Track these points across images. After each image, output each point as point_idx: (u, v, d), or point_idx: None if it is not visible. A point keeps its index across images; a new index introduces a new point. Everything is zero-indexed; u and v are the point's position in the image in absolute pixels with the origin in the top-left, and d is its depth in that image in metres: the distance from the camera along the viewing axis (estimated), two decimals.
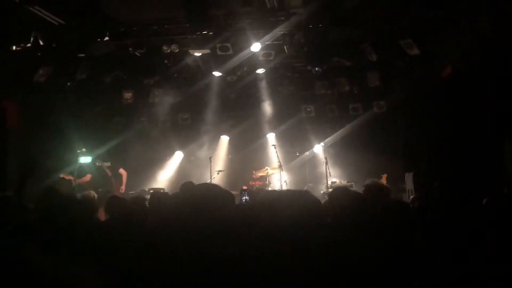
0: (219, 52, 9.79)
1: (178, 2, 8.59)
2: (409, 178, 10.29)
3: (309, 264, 1.91)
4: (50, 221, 3.00)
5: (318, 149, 12.47)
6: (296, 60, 11.59)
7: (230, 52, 9.80)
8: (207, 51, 9.84)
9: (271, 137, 13.13)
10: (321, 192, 10.99)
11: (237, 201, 7.37)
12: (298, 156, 12.99)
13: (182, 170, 13.22)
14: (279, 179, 11.30)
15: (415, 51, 9.57)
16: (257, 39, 9.62)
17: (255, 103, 12.77)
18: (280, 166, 11.12)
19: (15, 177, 9.88)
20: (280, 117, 12.88)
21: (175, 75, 11.89)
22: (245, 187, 11.13)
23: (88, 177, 10.40)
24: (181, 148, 13.48)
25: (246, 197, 8.89)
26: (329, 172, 10.82)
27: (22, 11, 8.15)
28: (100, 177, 10.42)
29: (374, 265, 2.26)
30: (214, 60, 10.55)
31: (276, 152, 11.40)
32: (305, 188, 11.04)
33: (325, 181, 10.83)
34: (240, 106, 13.09)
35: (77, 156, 10.01)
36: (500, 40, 8.00)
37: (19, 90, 10.25)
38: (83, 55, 10.04)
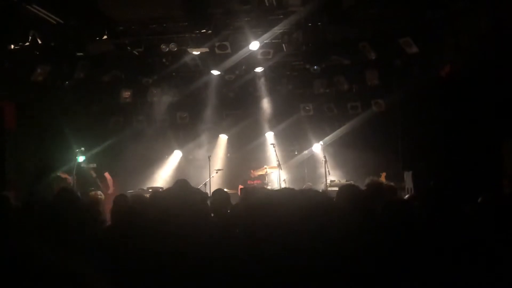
0: (217, 51, 9.78)
1: (177, 0, 8.57)
2: (408, 176, 10.28)
3: (315, 261, 1.90)
4: (57, 221, 2.99)
5: (317, 148, 12.47)
6: (294, 59, 11.59)
7: (229, 50, 9.79)
8: (205, 49, 9.82)
9: (269, 136, 13.11)
10: (320, 191, 10.97)
11: (235, 201, 7.37)
12: (297, 155, 12.99)
13: (180, 169, 13.20)
14: (277, 178, 11.28)
15: (414, 50, 9.57)
16: (256, 38, 9.61)
17: (254, 102, 12.76)
18: (279, 165, 11.11)
19: (14, 177, 9.87)
20: (278, 116, 12.87)
21: (174, 74, 11.88)
22: (241, 187, 11.13)
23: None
24: (180, 147, 13.46)
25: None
26: (328, 171, 10.81)
27: (20, 9, 8.13)
28: (84, 178, 10.20)
29: (378, 262, 2.26)
30: (213, 59, 10.54)
31: (275, 151, 11.38)
32: (303, 187, 11.04)
33: (324, 180, 10.83)
34: (239, 105, 13.07)
35: (76, 155, 9.97)
36: (499, 38, 8.01)
37: (17, 89, 10.22)
38: (81, 54, 10.00)
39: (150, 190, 10.67)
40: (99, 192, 7.17)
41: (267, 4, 8.77)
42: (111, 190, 10.39)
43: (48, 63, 9.97)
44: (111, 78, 11.36)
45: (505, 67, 8.20)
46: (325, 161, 10.82)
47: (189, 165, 13.08)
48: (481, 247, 2.88)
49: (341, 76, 11.58)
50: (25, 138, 10.38)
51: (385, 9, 9.03)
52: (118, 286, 1.99)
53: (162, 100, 12.24)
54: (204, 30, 9.32)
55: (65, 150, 10.45)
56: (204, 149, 12.90)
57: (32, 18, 8.56)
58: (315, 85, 11.86)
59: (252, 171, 11.83)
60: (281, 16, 9.21)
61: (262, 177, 11.62)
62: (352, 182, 10.67)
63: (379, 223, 2.89)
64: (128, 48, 10.02)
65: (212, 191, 7.01)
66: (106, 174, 10.65)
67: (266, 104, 12.71)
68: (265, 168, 11.60)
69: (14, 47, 9.16)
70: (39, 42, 9.05)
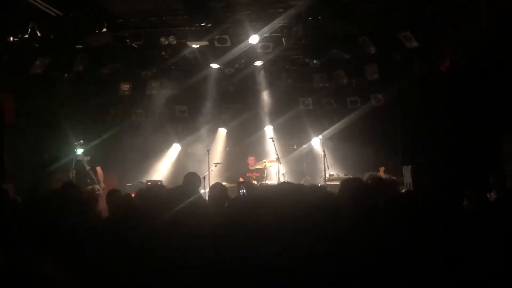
0: (217, 44, 9.75)
1: None
2: (407, 171, 10.28)
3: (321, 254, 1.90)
4: (56, 216, 2.99)
5: (316, 142, 12.48)
6: (294, 53, 11.57)
7: (228, 44, 9.77)
8: (205, 43, 9.79)
9: (269, 130, 13.11)
10: (319, 185, 10.98)
11: (235, 194, 7.38)
12: (296, 149, 13.00)
13: (179, 162, 13.21)
14: (276, 172, 11.29)
15: (414, 44, 9.56)
16: (256, 31, 9.58)
17: (253, 95, 12.74)
18: (278, 159, 11.11)
19: (12, 169, 9.86)
20: (278, 110, 12.86)
21: (173, 67, 11.85)
22: (241, 179, 11.14)
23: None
24: (179, 140, 13.45)
25: (244, 191, 8.84)
26: (327, 165, 10.81)
27: (19, 1, 8.09)
28: (81, 172, 10.15)
29: (378, 259, 2.26)
30: (212, 52, 10.52)
31: (274, 144, 11.38)
32: (302, 181, 11.05)
33: (323, 174, 10.83)
34: (238, 98, 13.05)
35: (75, 147, 9.95)
36: (499, 34, 7.99)
37: (16, 81, 10.19)
38: (80, 46, 9.99)
39: (149, 183, 10.66)
40: (96, 187, 7.13)
41: None
42: (101, 185, 10.36)
43: (47, 55, 9.95)
44: (110, 71, 11.35)
45: (505, 62, 8.18)
46: (324, 155, 10.82)
47: (188, 159, 13.07)
48: (480, 243, 2.89)
49: (340, 70, 11.57)
50: (24, 130, 10.36)
51: (386, 3, 9.01)
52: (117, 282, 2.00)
53: (161, 93, 12.22)
54: (204, 23, 9.30)
55: (64, 143, 10.43)
56: (203, 142, 12.89)
57: (32, 10, 8.51)
58: (314, 79, 11.85)
59: (250, 158, 11.85)
60: (281, 10, 9.18)
61: (261, 170, 11.63)
62: (350, 176, 10.70)
63: (381, 221, 2.88)
64: (128, 41, 9.99)
65: (210, 185, 7.01)
66: (98, 169, 10.56)
67: (265, 98, 12.70)
68: (264, 162, 11.61)
69: (13, 39, 9.14)
70: (39, 34, 9.02)
